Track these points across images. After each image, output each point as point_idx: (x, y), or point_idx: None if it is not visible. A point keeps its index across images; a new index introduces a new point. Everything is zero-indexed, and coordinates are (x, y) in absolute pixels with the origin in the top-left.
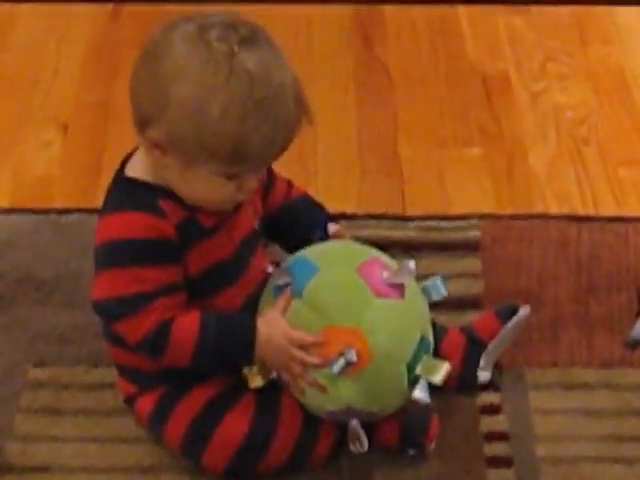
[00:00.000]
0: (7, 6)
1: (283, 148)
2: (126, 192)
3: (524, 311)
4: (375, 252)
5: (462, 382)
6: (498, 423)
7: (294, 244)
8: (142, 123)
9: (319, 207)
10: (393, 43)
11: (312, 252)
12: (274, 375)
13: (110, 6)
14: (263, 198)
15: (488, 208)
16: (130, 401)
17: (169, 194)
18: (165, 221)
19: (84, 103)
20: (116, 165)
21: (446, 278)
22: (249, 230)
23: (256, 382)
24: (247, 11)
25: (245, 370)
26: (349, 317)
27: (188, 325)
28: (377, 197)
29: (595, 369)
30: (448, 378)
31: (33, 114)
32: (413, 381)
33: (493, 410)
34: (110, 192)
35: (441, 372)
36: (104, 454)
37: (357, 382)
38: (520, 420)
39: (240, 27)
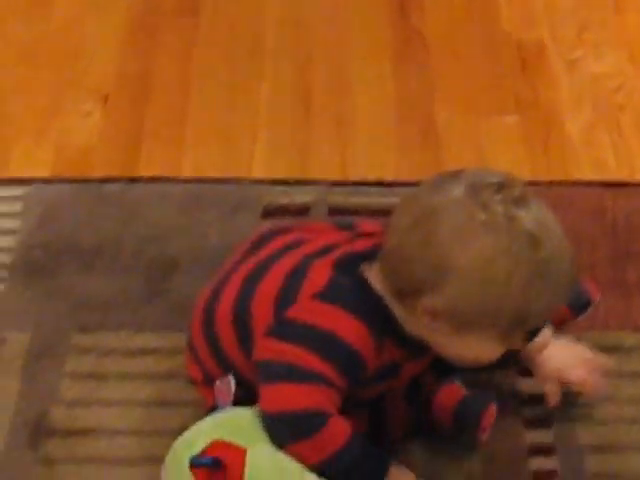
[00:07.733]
0: None
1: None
2: (365, 302)
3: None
4: None
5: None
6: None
7: None
8: (415, 290)
9: None
10: (429, 12)
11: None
12: None
13: None
14: None
15: (524, 175)
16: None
17: (395, 335)
18: (377, 355)
19: (125, 73)
20: (157, 135)
21: None
22: None
23: None
24: None
25: None
26: None
27: (342, 428)
28: (414, 165)
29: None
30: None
31: (74, 85)
32: None
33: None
34: (346, 287)
35: None
36: (149, 417)
37: None
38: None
39: (512, 186)
